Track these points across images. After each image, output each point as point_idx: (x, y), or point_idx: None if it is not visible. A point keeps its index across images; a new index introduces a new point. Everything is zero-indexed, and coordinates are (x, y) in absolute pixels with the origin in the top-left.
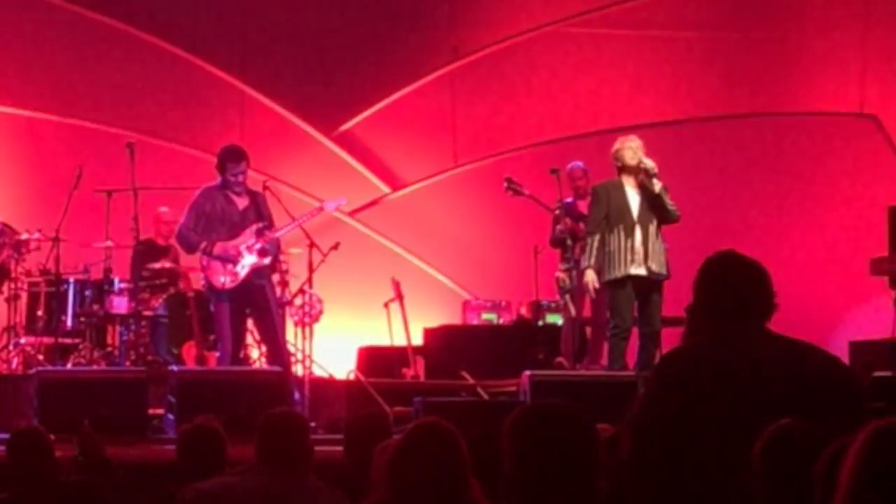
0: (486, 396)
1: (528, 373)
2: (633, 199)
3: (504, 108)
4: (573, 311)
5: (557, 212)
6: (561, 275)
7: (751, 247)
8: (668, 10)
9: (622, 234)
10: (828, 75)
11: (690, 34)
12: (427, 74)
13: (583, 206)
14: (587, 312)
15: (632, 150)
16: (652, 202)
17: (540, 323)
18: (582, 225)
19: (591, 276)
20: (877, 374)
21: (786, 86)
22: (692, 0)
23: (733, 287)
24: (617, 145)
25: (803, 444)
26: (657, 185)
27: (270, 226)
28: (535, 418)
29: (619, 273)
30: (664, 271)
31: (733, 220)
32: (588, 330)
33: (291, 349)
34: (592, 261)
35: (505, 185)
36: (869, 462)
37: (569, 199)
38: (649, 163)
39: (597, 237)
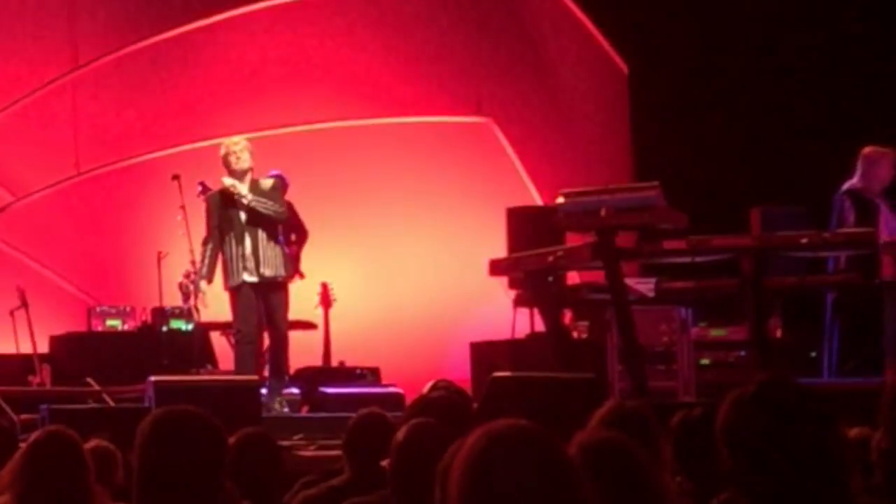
0: (111, 403)
1: (152, 378)
2: None
3: (126, 114)
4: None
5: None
6: (184, 280)
7: (373, 249)
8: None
9: (234, 241)
10: (446, 78)
11: (307, 41)
12: (47, 81)
13: None
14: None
15: (247, 151)
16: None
17: (164, 329)
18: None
19: (202, 287)
20: (496, 374)
21: (406, 91)
22: (311, 4)
23: None
24: (230, 148)
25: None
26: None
27: None
28: (163, 424)
29: (234, 281)
30: (281, 273)
31: (361, 226)
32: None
33: None
34: (205, 270)
35: (199, 189)
36: (477, 468)
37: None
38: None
39: (210, 246)
